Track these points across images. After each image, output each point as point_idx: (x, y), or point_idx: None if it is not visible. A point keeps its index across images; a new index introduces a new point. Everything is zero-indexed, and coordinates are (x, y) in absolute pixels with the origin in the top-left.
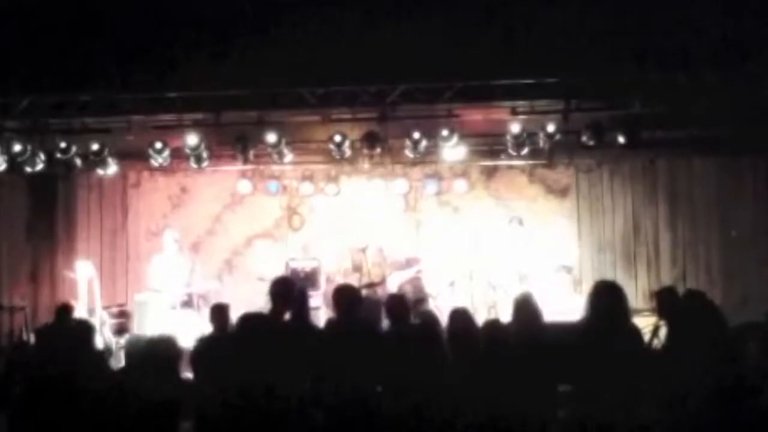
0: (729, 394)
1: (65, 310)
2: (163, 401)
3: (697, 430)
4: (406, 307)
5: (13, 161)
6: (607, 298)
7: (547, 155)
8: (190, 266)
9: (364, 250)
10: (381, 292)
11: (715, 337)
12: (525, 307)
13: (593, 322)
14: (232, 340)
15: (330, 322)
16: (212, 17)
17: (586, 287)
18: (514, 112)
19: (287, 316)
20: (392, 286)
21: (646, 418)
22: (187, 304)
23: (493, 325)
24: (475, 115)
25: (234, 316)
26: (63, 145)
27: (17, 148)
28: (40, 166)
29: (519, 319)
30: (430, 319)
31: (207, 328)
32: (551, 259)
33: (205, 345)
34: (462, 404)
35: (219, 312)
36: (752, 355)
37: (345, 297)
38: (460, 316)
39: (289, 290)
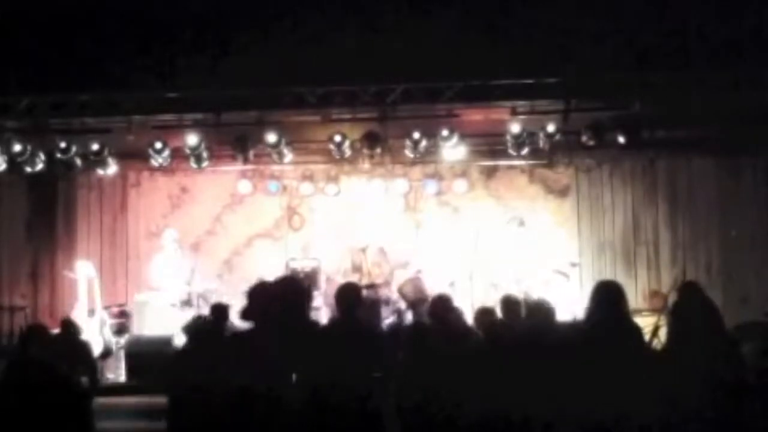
0: (728, 393)
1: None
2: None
3: (697, 429)
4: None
5: (13, 161)
6: (608, 297)
7: (547, 155)
8: (190, 266)
9: (364, 250)
10: (381, 292)
11: (714, 335)
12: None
13: (595, 322)
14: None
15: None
16: (212, 17)
17: (586, 287)
18: (514, 112)
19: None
20: (392, 286)
21: (646, 417)
22: (187, 303)
23: (491, 321)
24: (475, 115)
25: (234, 315)
26: (63, 145)
27: (17, 148)
28: (40, 166)
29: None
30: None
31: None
32: (551, 259)
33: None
34: (462, 403)
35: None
36: (751, 355)
37: (346, 297)
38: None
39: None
